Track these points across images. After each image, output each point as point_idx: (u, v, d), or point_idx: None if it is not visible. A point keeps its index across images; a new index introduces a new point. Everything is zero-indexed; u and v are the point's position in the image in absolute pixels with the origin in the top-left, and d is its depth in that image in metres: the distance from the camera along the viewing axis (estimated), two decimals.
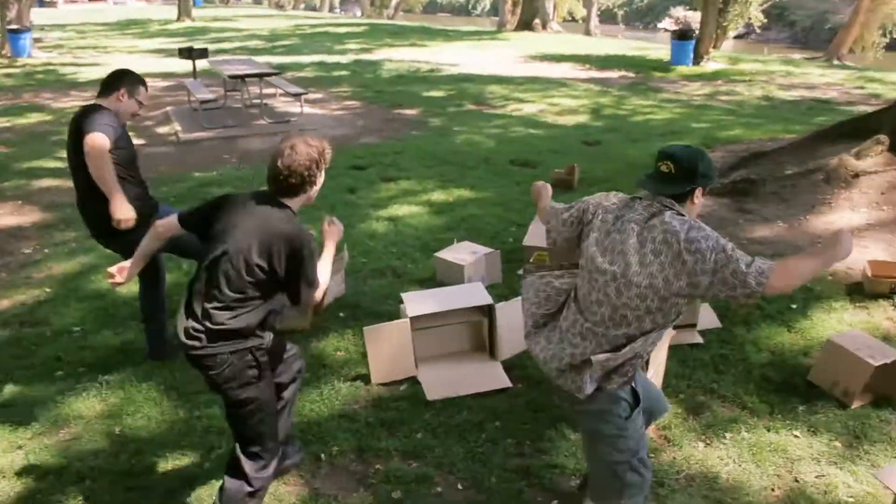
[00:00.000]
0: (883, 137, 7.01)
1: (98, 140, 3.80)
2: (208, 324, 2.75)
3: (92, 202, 4.04)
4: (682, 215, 2.59)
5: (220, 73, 11.58)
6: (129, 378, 4.20)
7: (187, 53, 13.29)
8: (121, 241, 4.03)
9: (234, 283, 2.75)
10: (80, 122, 3.93)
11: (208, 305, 2.77)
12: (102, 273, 5.56)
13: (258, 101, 11.90)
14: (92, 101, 4.11)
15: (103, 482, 3.38)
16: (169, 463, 3.51)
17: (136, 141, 9.74)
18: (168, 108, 12.36)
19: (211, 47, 19.50)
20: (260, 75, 11.24)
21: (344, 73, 16.57)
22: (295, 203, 2.93)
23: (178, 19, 34.52)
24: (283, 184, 2.85)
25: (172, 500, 3.28)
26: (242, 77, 11.10)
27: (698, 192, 2.67)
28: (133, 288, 5.31)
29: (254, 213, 2.83)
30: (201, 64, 13.98)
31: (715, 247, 2.45)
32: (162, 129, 10.99)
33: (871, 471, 3.45)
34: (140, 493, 3.32)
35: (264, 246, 2.75)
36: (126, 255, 3.43)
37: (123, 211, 3.96)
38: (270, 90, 13.06)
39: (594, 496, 2.93)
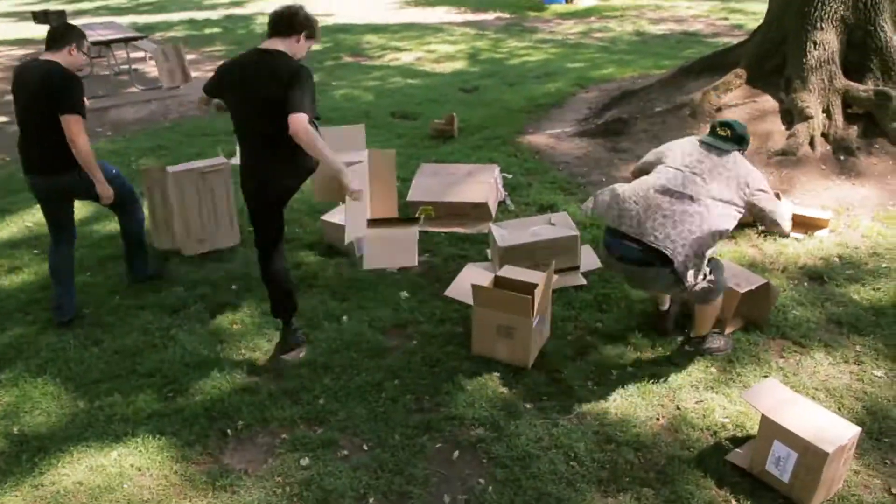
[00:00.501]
0: (741, 71, 7.41)
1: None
2: None
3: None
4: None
5: None
6: (23, 375, 4.12)
7: (43, 17, 12.52)
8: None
9: None
10: (52, 87, 4.21)
11: None
12: None
13: (127, 66, 11.44)
14: (45, 56, 4.33)
15: (7, 486, 3.35)
16: (74, 457, 3.49)
17: None
18: None
19: (69, 8, 18.49)
20: (126, 40, 10.78)
21: (216, 30, 16.04)
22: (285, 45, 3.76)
23: None
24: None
25: (81, 494, 3.29)
26: (107, 43, 10.63)
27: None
28: (15, 280, 5.20)
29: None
30: None
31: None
32: None
33: (743, 392, 3.78)
34: (47, 491, 3.31)
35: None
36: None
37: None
38: (139, 54, 12.57)
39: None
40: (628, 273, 3.87)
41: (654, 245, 3.62)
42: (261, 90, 3.66)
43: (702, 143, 3.94)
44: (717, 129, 3.94)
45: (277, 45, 3.78)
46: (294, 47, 3.84)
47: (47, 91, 4.21)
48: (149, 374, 4.11)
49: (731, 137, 3.91)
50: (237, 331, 4.52)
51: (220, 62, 11.62)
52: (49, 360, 4.25)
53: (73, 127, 4.19)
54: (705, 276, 3.81)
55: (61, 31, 4.41)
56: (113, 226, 6.00)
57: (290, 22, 3.80)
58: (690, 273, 3.65)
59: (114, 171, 4.70)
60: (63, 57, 4.34)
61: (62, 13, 12.56)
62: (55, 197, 4.52)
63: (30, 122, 4.35)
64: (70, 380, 4.08)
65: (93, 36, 10.84)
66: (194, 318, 4.65)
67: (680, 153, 3.92)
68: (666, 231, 3.63)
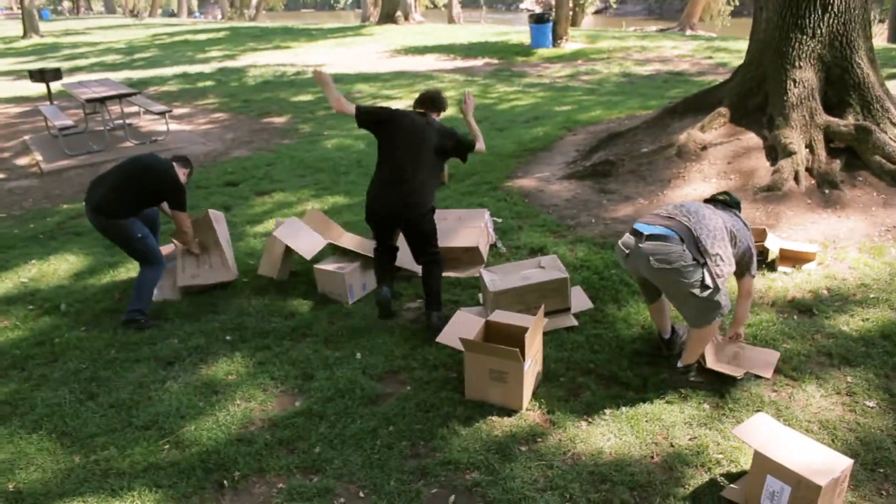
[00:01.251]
0: (724, 110, 7.55)
1: None
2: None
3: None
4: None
5: (76, 96, 11.22)
6: (18, 431, 4.13)
7: (39, 76, 12.76)
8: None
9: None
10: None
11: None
12: None
13: (121, 121, 11.59)
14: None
15: None
16: None
17: None
18: (26, 137, 11.89)
19: (64, 66, 18.79)
20: (120, 96, 10.95)
21: (209, 83, 16.28)
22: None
23: (25, 36, 32.81)
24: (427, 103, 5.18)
25: None
26: (101, 100, 10.79)
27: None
28: (11, 336, 5.23)
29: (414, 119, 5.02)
30: (56, 85, 13.48)
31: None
32: (21, 161, 10.58)
33: (736, 428, 3.80)
34: None
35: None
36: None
37: None
38: (133, 108, 12.76)
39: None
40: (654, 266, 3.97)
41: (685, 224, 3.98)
42: (433, 139, 5.01)
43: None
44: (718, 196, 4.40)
45: (432, 114, 5.23)
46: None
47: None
48: (144, 426, 4.12)
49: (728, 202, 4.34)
50: (232, 381, 4.54)
51: (213, 114, 11.74)
52: (44, 416, 4.26)
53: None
54: (717, 287, 3.95)
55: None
56: (108, 279, 6.05)
57: (439, 102, 5.28)
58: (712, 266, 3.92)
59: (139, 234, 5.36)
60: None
61: (58, 71, 12.76)
62: None
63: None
64: (66, 435, 4.09)
65: (87, 93, 11.01)
66: (189, 370, 4.67)
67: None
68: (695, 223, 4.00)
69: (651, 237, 3.97)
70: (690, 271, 3.90)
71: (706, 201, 4.34)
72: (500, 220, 6.65)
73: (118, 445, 3.96)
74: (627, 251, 4.08)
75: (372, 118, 5.08)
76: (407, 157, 4.94)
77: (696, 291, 3.92)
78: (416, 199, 4.89)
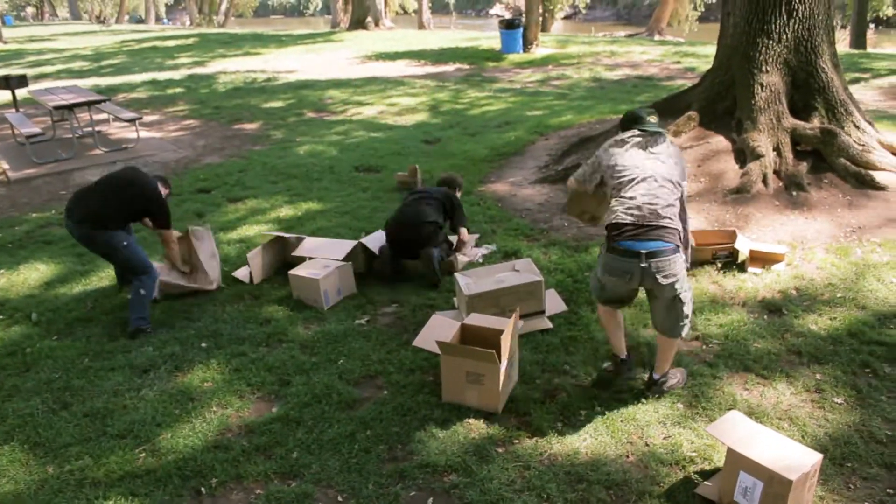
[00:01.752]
0: (693, 114, 7.66)
1: None
2: None
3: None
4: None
5: (43, 103, 11.09)
6: None
7: (4, 83, 12.54)
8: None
9: None
10: None
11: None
12: None
13: (90, 129, 11.47)
14: None
15: None
16: None
17: None
18: None
19: (30, 72, 18.57)
20: (89, 103, 10.83)
21: (178, 90, 16.16)
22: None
23: None
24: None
25: None
26: (69, 107, 10.68)
27: None
28: None
29: None
30: (21, 93, 13.30)
31: None
32: None
33: (708, 425, 3.86)
34: None
35: None
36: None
37: None
38: (102, 116, 12.63)
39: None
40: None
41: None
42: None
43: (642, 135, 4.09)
44: (648, 116, 4.19)
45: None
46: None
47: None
48: (120, 435, 4.09)
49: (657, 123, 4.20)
50: (208, 388, 4.52)
51: (184, 121, 11.65)
52: (16, 427, 4.21)
53: None
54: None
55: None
56: (79, 288, 6.00)
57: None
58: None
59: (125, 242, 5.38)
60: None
61: (23, 77, 12.61)
62: None
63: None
64: (39, 445, 4.05)
65: (55, 100, 10.89)
66: (165, 378, 4.65)
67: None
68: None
69: (651, 255, 3.79)
70: (685, 273, 3.92)
71: (624, 123, 4.23)
72: (494, 248, 6.54)
73: (93, 455, 3.94)
74: (629, 275, 3.86)
75: None
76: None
77: (684, 294, 3.93)
78: None
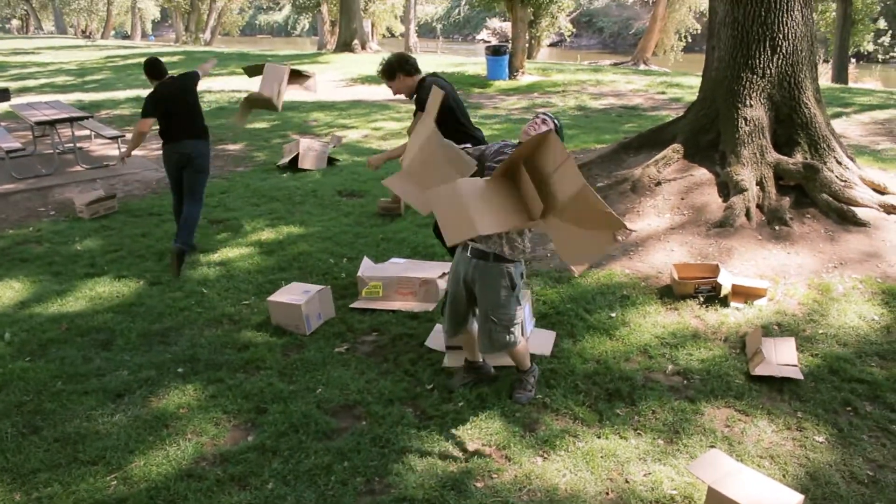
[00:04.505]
0: (678, 146, 7.69)
1: None
2: None
3: None
4: None
5: (25, 118, 10.99)
6: None
7: None
8: None
9: None
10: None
11: None
12: None
13: (72, 145, 11.37)
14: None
15: None
16: None
17: None
18: None
19: (12, 86, 18.44)
20: (70, 120, 10.74)
21: None
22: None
23: None
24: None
25: None
26: (51, 123, 10.59)
27: None
28: None
29: None
30: (3, 106, 13.19)
31: None
32: None
33: (689, 462, 3.83)
34: None
35: None
36: None
37: None
38: (85, 132, 12.53)
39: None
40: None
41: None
42: None
43: None
44: None
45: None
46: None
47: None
48: (91, 461, 4.01)
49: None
50: (183, 415, 4.44)
51: None
52: None
53: None
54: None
55: None
56: (54, 308, 5.90)
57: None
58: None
59: None
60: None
61: (6, 91, 12.51)
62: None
63: None
64: (6, 471, 3.95)
65: (37, 115, 10.80)
66: (139, 403, 4.56)
67: None
68: None
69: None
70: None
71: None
72: None
73: (62, 482, 3.85)
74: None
75: None
76: None
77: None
78: None
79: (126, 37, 58.01)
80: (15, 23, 70.84)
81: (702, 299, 5.70)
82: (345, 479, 3.83)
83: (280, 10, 71.29)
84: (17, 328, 5.60)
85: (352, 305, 5.83)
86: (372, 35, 32.85)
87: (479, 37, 56.69)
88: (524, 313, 4.86)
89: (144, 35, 57.42)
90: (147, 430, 4.28)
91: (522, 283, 4.34)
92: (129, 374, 4.90)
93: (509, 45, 20.03)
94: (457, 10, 60.61)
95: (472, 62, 25.47)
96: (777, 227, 6.68)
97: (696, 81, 18.64)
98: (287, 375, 4.84)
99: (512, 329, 4.25)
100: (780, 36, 7.16)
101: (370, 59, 26.12)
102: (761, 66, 7.21)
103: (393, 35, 41.97)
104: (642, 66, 29.43)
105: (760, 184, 6.95)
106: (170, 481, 3.83)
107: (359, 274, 5.94)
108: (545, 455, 4.01)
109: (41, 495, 3.75)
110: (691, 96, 15.81)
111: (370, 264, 6.15)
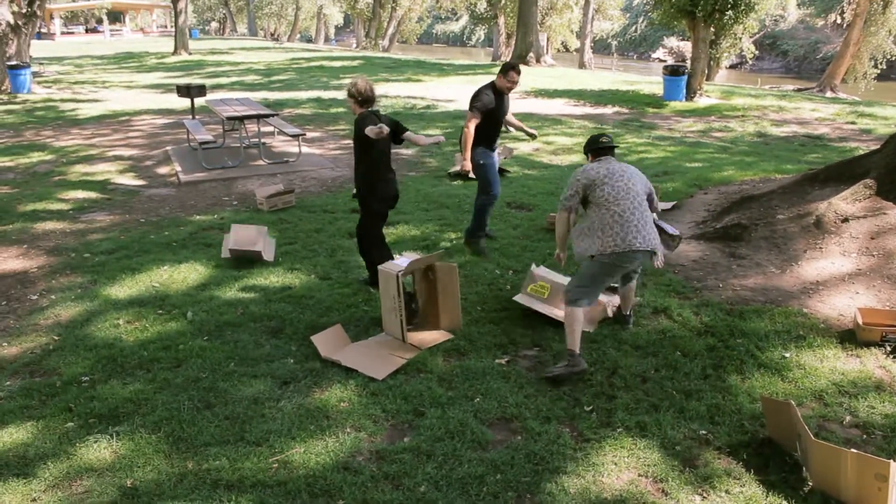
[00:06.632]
0: (871, 182, 7.17)
1: None
2: None
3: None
4: None
5: (218, 113, 11.74)
6: (139, 429, 4.28)
7: (185, 91, 13.42)
8: None
9: None
10: None
11: None
12: (110, 320, 5.69)
13: (256, 140, 12.04)
14: None
15: None
16: None
17: (136, 182, 9.90)
18: (168, 148, 12.52)
19: (208, 82, 19.76)
20: (258, 116, 11.37)
21: (341, 109, 16.75)
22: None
23: (175, 52, 34.82)
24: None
25: None
26: (240, 118, 11.25)
27: None
28: (140, 336, 5.43)
29: None
30: (199, 101, 14.14)
31: None
32: (162, 170, 11.13)
33: None
34: None
35: None
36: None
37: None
38: (269, 129, 13.24)
39: None
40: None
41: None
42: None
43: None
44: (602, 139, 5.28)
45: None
46: None
47: None
48: (256, 442, 4.19)
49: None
50: (344, 408, 4.56)
51: (344, 140, 12.02)
52: (164, 419, 4.40)
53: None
54: None
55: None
56: (232, 293, 6.23)
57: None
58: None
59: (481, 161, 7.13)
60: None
61: (202, 87, 13.41)
62: None
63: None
64: (182, 440, 4.20)
65: (228, 111, 11.50)
66: (303, 392, 4.73)
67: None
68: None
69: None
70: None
71: (602, 154, 5.25)
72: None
73: (229, 458, 4.04)
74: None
75: None
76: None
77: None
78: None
79: (310, 40, 60.94)
80: (214, 25, 76.17)
81: (889, 348, 5.27)
82: (496, 492, 3.80)
83: (457, 20, 72.75)
84: (199, 308, 5.95)
85: (514, 298, 5.83)
86: (547, 49, 32.83)
87: (654, 55, 55.47)
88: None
89: (327, 39, 60.14)
90: (309, 419, 4.43)
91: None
92: (296, 363, 5.09)
93: (687, 66, 19.45)
94: (634, 27, 59.65)
95: (646, 81, 24.94)
96: None
97: (891, 112, 17.45)
98: (446, 381, 4.87)
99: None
100: None
101: (544, 73, 26.17)
102: None
103: (567, 50, 41.84)
104: (829, 94, 27.82)
105: None
106: (327, 471, 3.94)
107: (532, 268, 5.94)
108: (704, 494, 3.82)
109: (210, 467, 3.95)
110: (885, 128, 14.80)
111: (546, 270, 6.12)
